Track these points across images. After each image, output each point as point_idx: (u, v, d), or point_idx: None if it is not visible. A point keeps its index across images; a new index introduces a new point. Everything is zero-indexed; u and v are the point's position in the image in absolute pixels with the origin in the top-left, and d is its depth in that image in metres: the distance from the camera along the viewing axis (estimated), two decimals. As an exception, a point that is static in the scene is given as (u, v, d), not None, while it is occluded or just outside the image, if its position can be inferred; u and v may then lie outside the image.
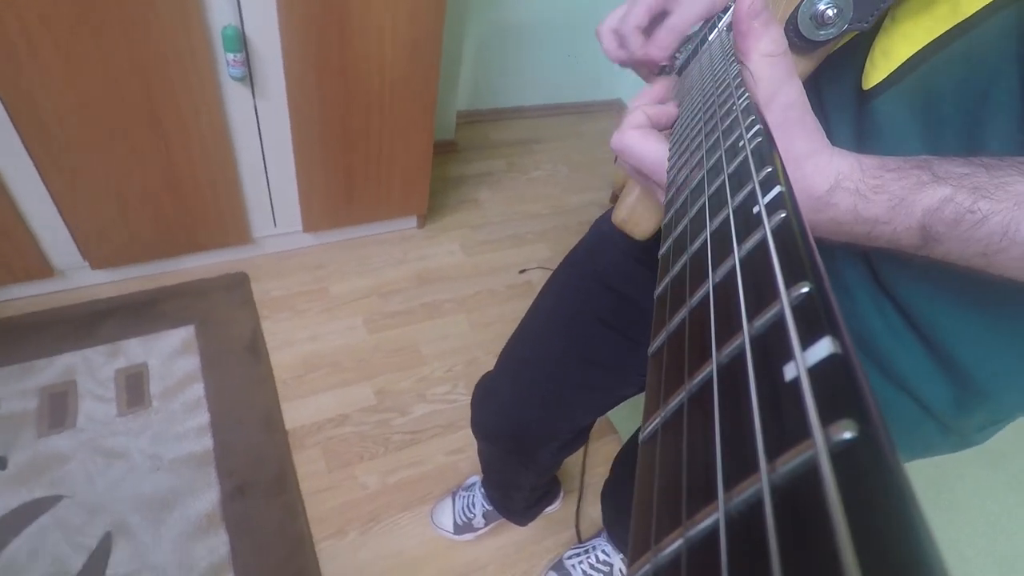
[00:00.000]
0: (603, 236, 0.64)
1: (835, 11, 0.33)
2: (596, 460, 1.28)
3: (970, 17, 0.32)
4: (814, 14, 0.33)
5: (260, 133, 1.28)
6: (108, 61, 1.04)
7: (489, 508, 1.09)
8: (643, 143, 0.34)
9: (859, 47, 0.38)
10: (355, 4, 1.15)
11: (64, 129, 1.08)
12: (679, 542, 0.09)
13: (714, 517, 0.09)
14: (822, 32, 0.34)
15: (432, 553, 1.10)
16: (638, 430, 0.15)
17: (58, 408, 1.16)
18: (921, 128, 0.36)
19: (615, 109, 2.50)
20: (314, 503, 1.12)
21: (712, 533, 0.09)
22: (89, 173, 1.16)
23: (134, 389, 1.21)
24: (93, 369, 1.23)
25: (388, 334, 1.44)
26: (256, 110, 1.24)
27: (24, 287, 1.31)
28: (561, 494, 1.17)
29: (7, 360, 1.21)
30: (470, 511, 1.10)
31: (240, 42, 1.10)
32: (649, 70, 0.47)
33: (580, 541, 1.14)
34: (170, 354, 1.28)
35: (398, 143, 1.45)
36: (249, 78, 1.17)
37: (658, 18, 0.43)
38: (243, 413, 1.22)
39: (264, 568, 1.02)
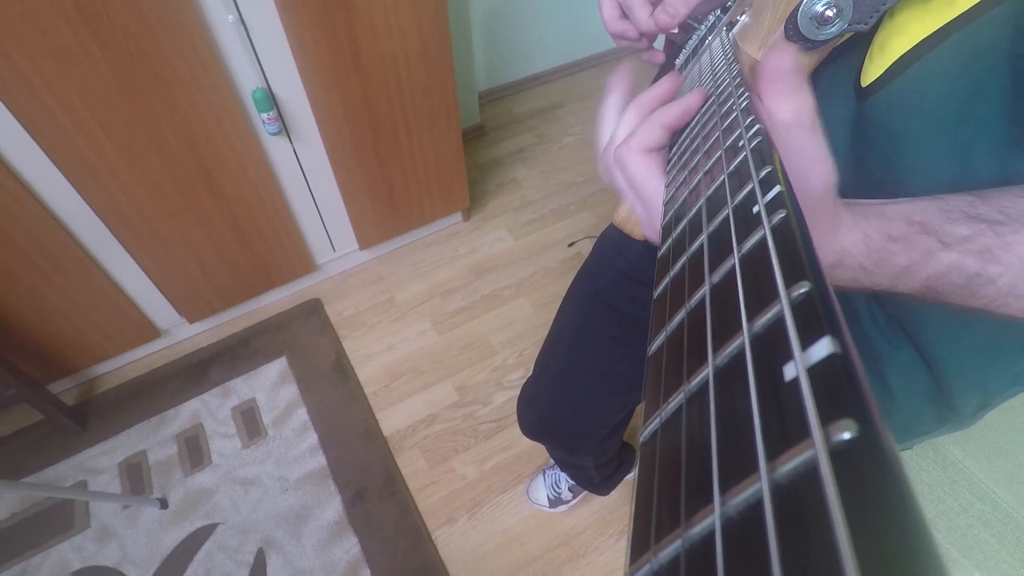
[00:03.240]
0: (603, 258, 0.68)
1: (835, 11, 0.32)
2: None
3: (966, 12, 0.31)
4: (813, 14, 0.33)
5: (304, 173, 1.37)
6: (162, 146, 1.14)
7: (572, 483, 1.19)
8: (648, 175, 0.30)
9: (857, 42, 0.37)
10: (363, 38, 1.19)
11: (141, 213, 1.21)
12: (678, 542, 0.09)
13: (713, 517, 0.09)
14: (822, 32, 0.33)
15: (535, 527, 1.22)
16: None
17: (194, 449, 1.35)
18: (915, 127, 0.35)
19: (631, 55, 2.42)
20: (422, 498, 1.27)
21: (711, 533, 0.09)
22: (169, 244, 1.30)
23: (250, 423, 1.38)
24: (213, 411, 1.41)
25: (457, 332, 1.54)
26: (296, 155, 1.32)
27: (139, 350, 1.49)
28: (638, 460, 1.25)
29: (144, 415, 1.40)
30: (558, 486, 1.20)
31: (270, 101, 1.17)
32: (650, 46, 0.45)
33: (667, 496, 1.23)
34: (272, 386, 1.44)
35: (429, 148, 1.50)
36: (285, 130, 1.26)
37: None
38: (345, 428, 1.37)
39: (393, 561, 1.17)
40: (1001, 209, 0.29)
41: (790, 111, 0.25)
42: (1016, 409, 0.80)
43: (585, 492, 1.21)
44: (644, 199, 0.31)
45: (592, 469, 1.00)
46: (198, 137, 1.17)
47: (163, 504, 1.26)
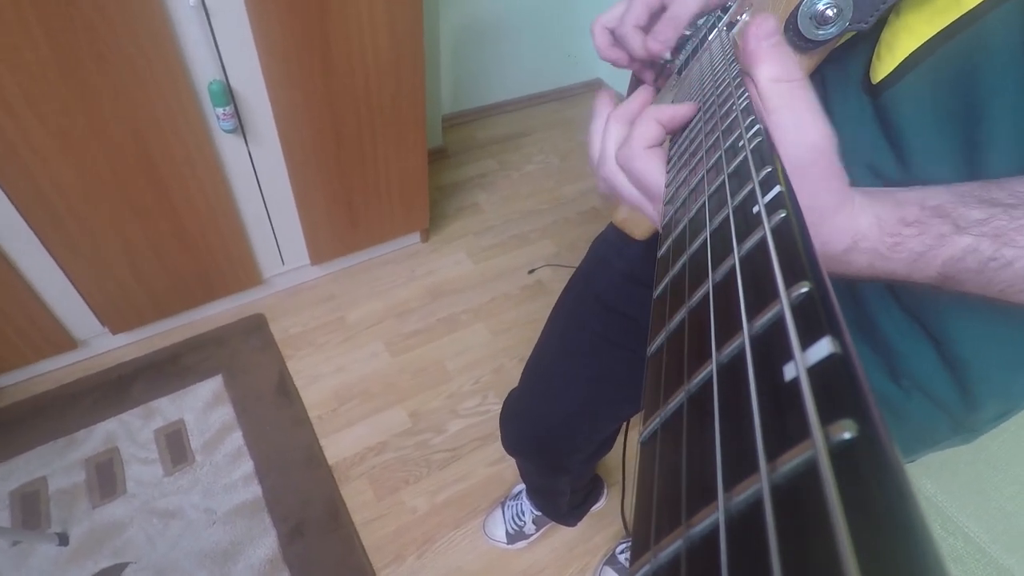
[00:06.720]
0: (599, 260, 0.66)
1: (835, 11, 0.32)
2: (636, 451, 1.31)
3: (973, 9, 0.31)
4: (814, 14, 0.33)
5: (257, 177, 1.28)
6: (102, 131, 1.03)
7: (538, 514, 1.12)
8: (655, 172, 0.30)
9: (864, 38, 0.37)
10: (335, 37, 1.14)
11: (67, 203, 1.08)
12: (679, 542, 0.09)
13: (714, 517, 0.09)
14: (822, 32, 0.33)
15: (490, 565, 1.14)
16: None
17: (106, 477, 1.18)
18: (929, 123, 0.35)
19: (596, 89, 2.49)
20: (368, 533, 1.16)
21: (712, 533, 0.09)
22: (97, 241, 1.17)
23: (176, 447, 1.24)
24: (132, 433, 1.25)
25: (411, 355, 1.46)
26: (251, 156, 1.24)
27: (50, 361, 1.32)
28: (605, 491, 1.20)
29: (48, 436, 1.23)
30: (520, 519, 1.13)
31: (227, 95, 1.09)
32: (643, 67, 0.46)
33: (629, 533, 1.18)
34: (203, 407, 1.30)
35: (393, 164, 1.45)
36: (240, 128, 1.17)
37: (656, 15, 0.42)
38: (285, 455, 1.25)
39: (333, 604, 1.05)
40: (1013, 192, 0.29)
41: (777, 67, 0.26)
42: (987, 444, 0.80)
43: (548, 526, 1.14)
44: (652, 195, 0.31)
45: (567, 494, 0.95)
46: (144, 126, 1.07)
47: (62, 540, 1.10)
